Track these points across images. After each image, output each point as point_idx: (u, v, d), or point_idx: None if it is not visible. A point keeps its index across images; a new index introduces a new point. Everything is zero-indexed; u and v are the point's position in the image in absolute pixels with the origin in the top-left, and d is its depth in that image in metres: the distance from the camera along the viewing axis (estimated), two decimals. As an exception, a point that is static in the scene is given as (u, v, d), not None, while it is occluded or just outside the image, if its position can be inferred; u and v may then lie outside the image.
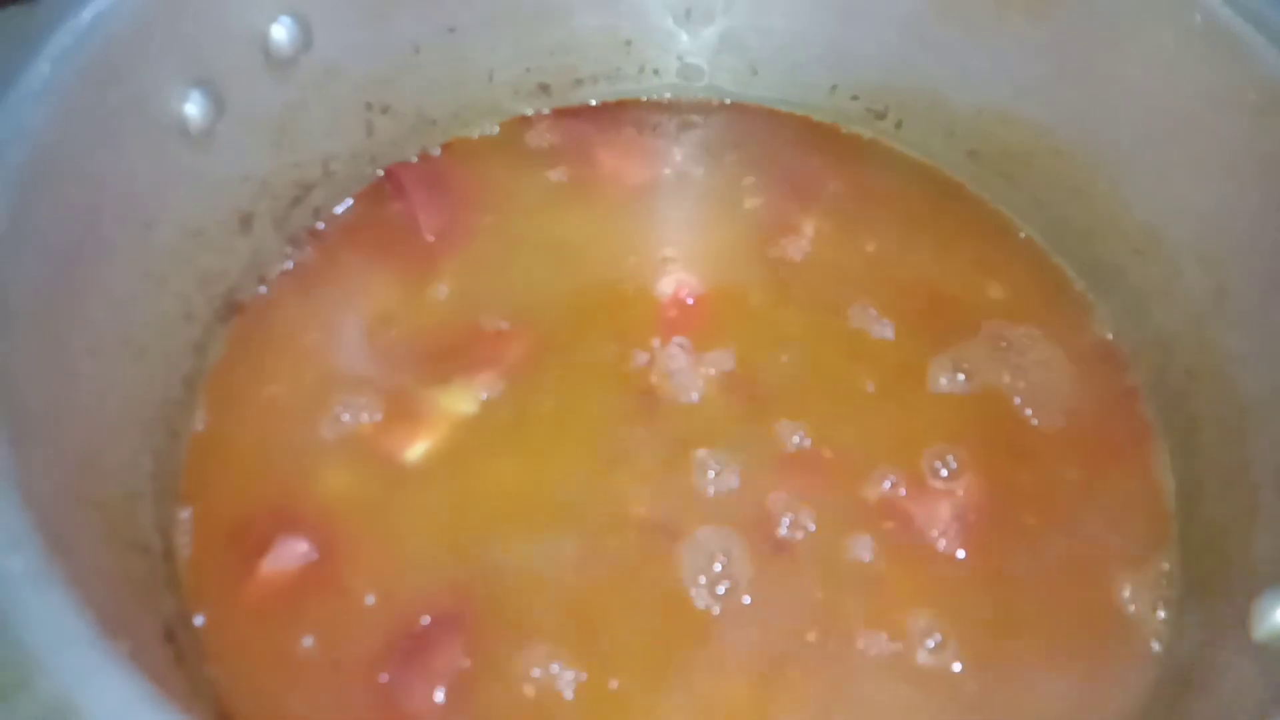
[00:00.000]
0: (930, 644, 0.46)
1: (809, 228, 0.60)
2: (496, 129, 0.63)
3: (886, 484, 0.50)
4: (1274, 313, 0.48)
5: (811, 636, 0.46)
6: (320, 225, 0.58)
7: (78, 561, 0.37)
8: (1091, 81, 0.55)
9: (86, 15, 0.44)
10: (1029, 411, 0.53)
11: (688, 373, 0.54)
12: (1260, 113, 0.47)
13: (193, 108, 0.49)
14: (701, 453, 0.51)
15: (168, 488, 0.49)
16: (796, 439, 0.52)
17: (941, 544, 0.49)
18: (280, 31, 0.52)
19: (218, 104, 0.50)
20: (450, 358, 0.54)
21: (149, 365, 0.49)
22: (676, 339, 0.55)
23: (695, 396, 0.53)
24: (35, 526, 0.35)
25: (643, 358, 0.54)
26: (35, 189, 0.41)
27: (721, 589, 0.47)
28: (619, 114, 0.64)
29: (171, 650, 0.44)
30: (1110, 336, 0.56)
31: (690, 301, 0.57)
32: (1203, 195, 0.51)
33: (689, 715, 0.45)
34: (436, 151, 0.62)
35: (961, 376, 0.54)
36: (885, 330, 0.56)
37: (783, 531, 0.49)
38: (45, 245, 0.42)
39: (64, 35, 0.43)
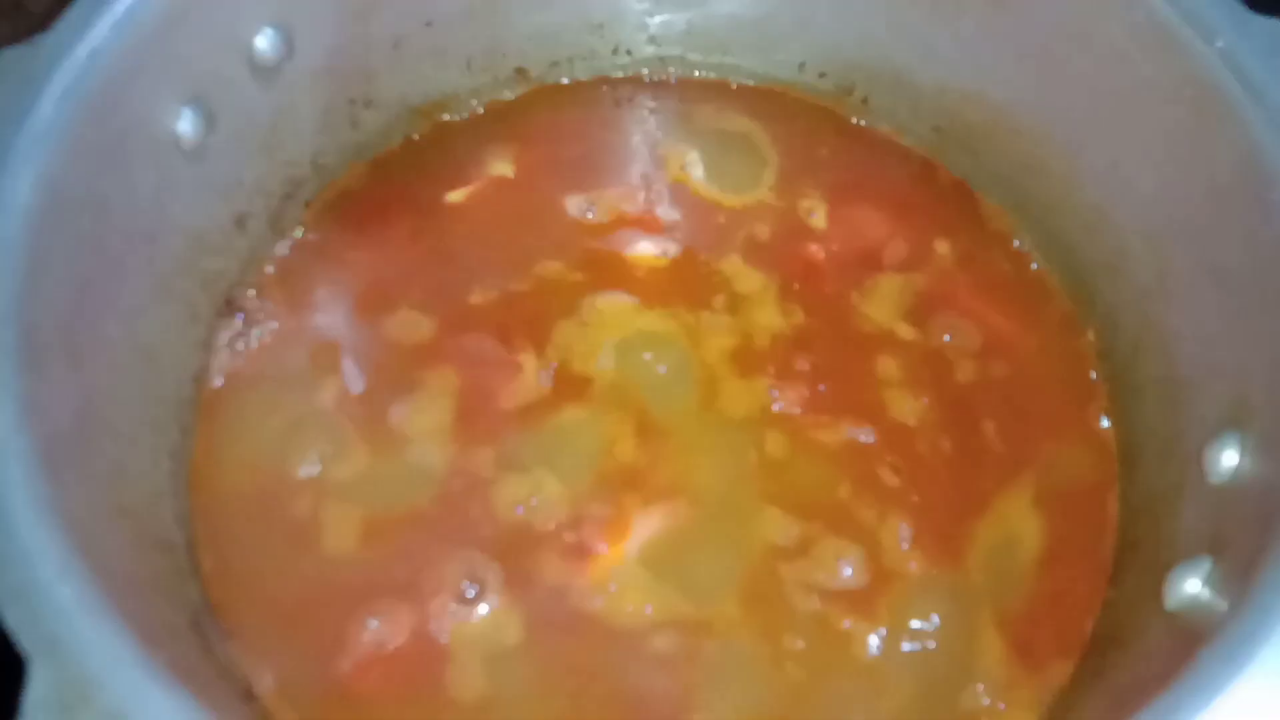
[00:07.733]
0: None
1: (781, 198, 0.63)
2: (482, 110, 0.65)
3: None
4: (1208, 295, 0.51)
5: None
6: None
7: (111, 573, 0.40)
8: (1047, 66, 0.57)
9: (83, 51, 0.46)
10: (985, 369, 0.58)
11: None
12: (1196, 108, 0.50)
13: (186, 125, 0.51)
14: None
15: (184, 482, 0.52)
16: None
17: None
18: (264, 42, 0.54)
19: (209, 118, 0.52)
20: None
21: (160, 369, 0.52)
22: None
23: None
24: (78, 551, 0.38)
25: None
26: (49, 226, 0.44)
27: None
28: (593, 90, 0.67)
29: (197, 638, 0.48)
30: (1065, 304, 0.60)
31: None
32: (1146, 180, 0.54)
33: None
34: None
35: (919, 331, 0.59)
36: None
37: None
38: (63, 276, 0.45)
39: (64, 74, 0.45)
